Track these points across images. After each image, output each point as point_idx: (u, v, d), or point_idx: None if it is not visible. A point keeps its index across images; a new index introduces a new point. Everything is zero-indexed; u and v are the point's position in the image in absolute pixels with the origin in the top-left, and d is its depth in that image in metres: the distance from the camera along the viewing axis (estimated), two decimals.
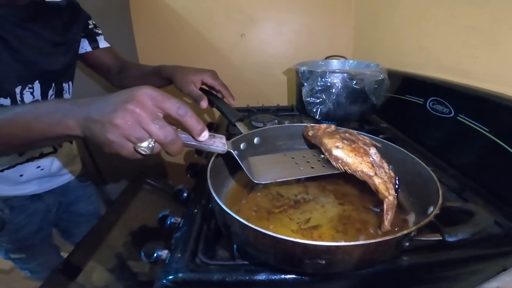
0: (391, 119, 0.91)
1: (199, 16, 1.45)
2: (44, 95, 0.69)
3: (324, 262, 0.30)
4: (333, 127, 0.56)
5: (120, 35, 1.42)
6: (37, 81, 0.67)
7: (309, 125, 0.59)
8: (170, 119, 0.34)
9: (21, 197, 0.76)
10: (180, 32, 1.48)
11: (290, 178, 0.47)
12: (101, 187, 1.09)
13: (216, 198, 0.35)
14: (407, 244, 0.34)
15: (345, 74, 0.74)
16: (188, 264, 0.41)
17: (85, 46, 0.81)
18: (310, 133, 0.56)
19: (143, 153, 0.32)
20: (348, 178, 0.56)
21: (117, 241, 0.95)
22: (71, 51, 0.76)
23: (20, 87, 0.64)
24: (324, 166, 0.50)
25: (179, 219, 0.52)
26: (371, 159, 0.46)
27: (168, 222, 0.52)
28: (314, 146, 0.54)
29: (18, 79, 0.64)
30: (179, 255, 0.43)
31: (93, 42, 0.82)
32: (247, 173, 0.45)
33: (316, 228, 0.43)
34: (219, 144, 0.40)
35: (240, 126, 0.60)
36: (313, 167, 0.49)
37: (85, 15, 0.80)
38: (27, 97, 0.66)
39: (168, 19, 1.46)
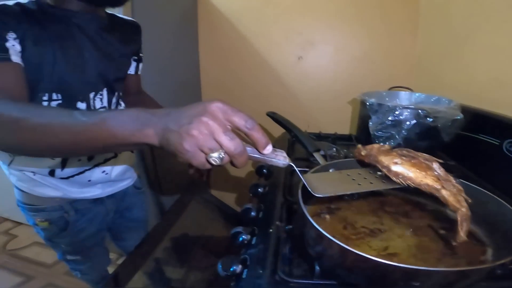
0: (460, 157, 0.90)
1: (260, 36, 1.55)
2: (109, 102, 0.77)
3: (418, 284, 0.33)
4: (387, 146, 0.57)
5: (186, 47, 1.56)
6: (105, 89, 0.75)
7: (360, 146, 0.61)
8: (235, 132, 0.37)
9: (86, 200, 0.83)
10: (240, 50, 1.59)
11: (350, 192, 0.50)
12: (157, 195, 1.18)
13: (314, 223, 0.40)
14: (499, 271, 0.37)
15: (420, 111, 0.76)
16: (270, 280, 0.44)
17: (131, 68, 0.89)
18: (363, 153, 0.58)
19: (214, 163, 0.36)
20: (423, 212, 0.58)
21: (160, 248, 1.02)
22: (128, 64, 0.87)
23: (93, 93, 0.73)
24: (383, 181, 0.52)
25: (249, 236, 0.57)
26: (436, 173, 0.48)
27: (240, 239, 0.56)
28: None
29: (92, 85, 0.72)
30: (260, 271, 0.46)
31: (137, 67, 0.91)
32: (307, 186, 0.47)
33: (396, 255, 0.45)
34: (281, 157, 0.44)
35: (318, 157, 0.65)
36: (371, 183, 0.52)
37: (141, 39, 0.89)
38: (98, 103, 0.74)
39: (230, 37, 1.58)
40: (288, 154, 0.92)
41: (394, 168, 0.50)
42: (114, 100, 0.79)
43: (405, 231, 0.52)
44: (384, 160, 0.52)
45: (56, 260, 1.73)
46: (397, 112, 0.76)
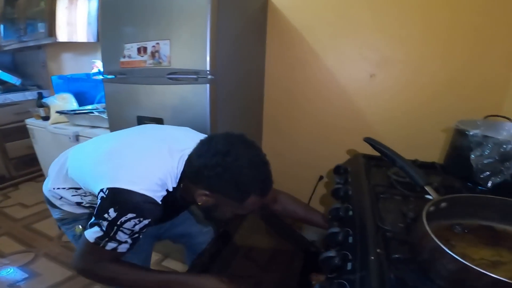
0: None
1: (331, 50, 1.53)
2: None
3: None
4: None
5: (254, 54, 1.61)
6: None
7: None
8: None
9: None
10: (309, 64, 1.59)
11: None
12: None
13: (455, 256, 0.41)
14: None
15: None
16: None
17: None
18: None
19: None
20: None
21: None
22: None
23: None
24: None
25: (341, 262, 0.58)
26: None
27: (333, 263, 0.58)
28: None
29: None
30: None
31: None
32: None
33: None
34: None
35: (430, 191, 0.63)
36: None
37: None
38: None
39: (299, 49, 1.59)
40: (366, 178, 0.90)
41: None
42: None
43: None
44: None
45: None
46: (509, 147, 0.70)
